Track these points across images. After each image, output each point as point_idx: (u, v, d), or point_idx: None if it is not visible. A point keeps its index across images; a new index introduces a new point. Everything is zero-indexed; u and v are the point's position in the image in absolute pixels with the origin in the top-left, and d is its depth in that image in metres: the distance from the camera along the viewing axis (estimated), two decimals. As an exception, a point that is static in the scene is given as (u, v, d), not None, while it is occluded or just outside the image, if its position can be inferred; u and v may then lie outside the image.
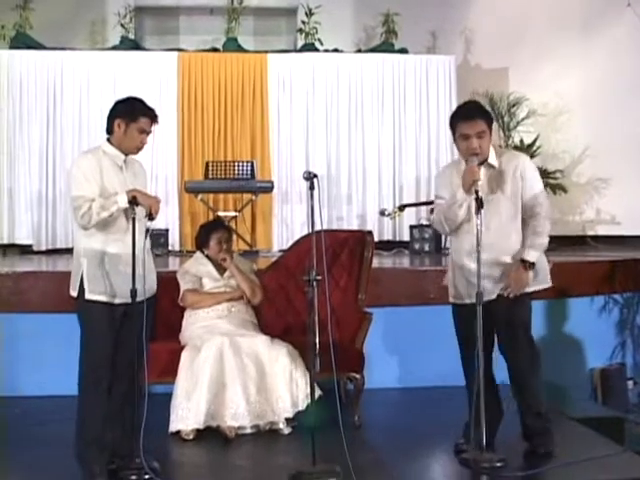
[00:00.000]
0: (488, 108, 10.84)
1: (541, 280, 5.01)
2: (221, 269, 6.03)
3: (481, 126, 4.87)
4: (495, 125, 11.05)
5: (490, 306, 4.83)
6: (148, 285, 4.73)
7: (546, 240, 4.95)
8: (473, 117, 4.88)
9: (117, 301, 4.65)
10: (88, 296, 4.63)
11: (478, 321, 4.70)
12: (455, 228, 4.98)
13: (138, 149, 4.77)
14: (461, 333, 5.06)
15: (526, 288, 4.90)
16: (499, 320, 4.90)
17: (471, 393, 4.99)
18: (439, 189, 5.10)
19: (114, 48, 11.32)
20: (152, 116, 4.77)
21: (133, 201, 4.56)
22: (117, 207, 4.56)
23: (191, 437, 5.36)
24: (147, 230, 4.61)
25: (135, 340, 4.53)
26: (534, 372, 5.10)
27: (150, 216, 4.60)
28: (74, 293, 4.69)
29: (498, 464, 4.73)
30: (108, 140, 4.77)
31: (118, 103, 4.80)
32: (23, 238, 10.45)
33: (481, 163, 4.89)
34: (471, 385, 4.97)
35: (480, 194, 4.73)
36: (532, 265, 4.87)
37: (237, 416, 5.39)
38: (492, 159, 4.94)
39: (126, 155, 4.76)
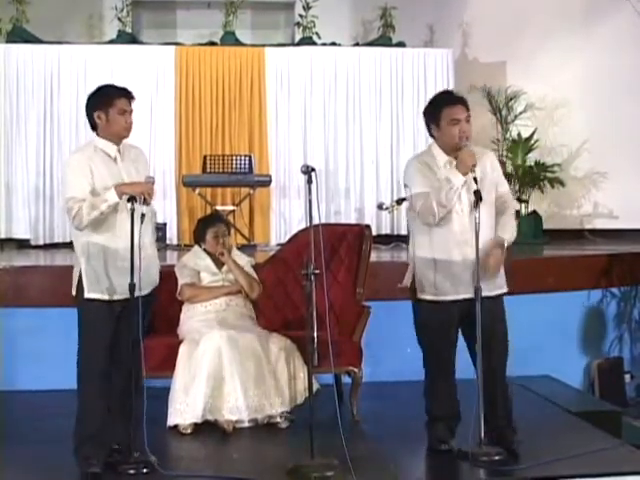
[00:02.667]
0: (485, 102, 10.99)
1: (502, 284, 4.99)
2: (219, 263, 6.03)
3: (467, 111, 4.85)
4: (493, 119, 11.17)
5: (468, 303, 4.80)
6: (150, 278, 4.73)
7: (515, 233, 4.95)
8: (460, 102, 4.87)
9: (116, 297, 4.65)
10: (87, 295, 4.63)
11: (477, 316, 4.69)
12: (444, 216, 4.82)
13: (127, 130, 4.76)
14: (440, 331, 4.93)
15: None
16: (482, 317, 4.75)
17: (429, 392, 5.06)
18: (416, 179, 4.88)
19: (111, 42, 11.29)
20: (125, 95, 4.77)
21: (131, 198, 4.56)
22: (107, 205, 4.55)
23: (189, 431, 5.36)
24: (142, 215, 4.57)
25: (134, 335, 4.53)
26: (505, 371, 5.04)
27: (144, 201, 4.60)
28: (74, 292, 4.70)
29: (496, 457, 4.74)
30: (97, 135, 4.77)
31: (90, 97, 4.82)
32: (21, 233, 10.43)
33: (447, 153, 4.87)
34: (437, 383, 5.01)
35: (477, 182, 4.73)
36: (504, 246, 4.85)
37: (235, 410, 5.39)
38: None
39: (118, 144, 4.76)
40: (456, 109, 4.83)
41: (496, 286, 4.92)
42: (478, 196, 4.68)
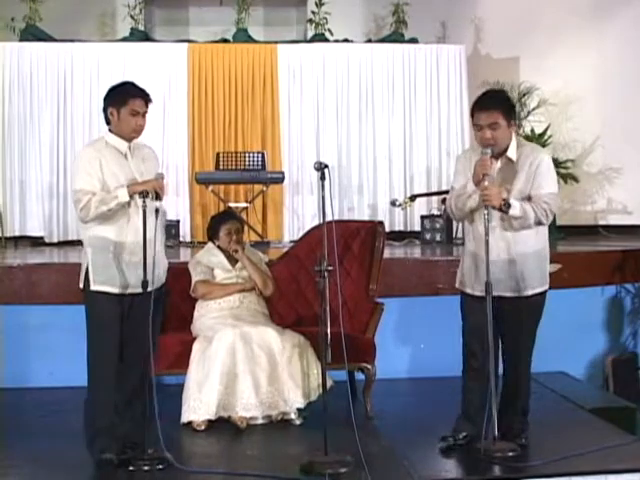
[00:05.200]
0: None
1: (541, 282, 4.94)
2: (233, 260, 6.03)
3: (495, 117, 4.76)
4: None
5: (503, 302, 4.81)
6: (156, 276, 4.73)
7: (530, 220, 4.72)
8: (487, 108, 4.78)
9: (122, 291, 4.67)
10: (93, 287, 4.66)
11: (488, 310, 4.67)
12: (465, 217, 4.92)
13: (136, 132, 4.78)
14: (468, 324, 4.97)
15: (493, 199, 4.66)
16: (509, 318, 4.85)
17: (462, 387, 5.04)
18: (455, 174, 5.03)
19: (124, 40, 11.31)
20: (142, 96, 4.76)
21: (143, 194, 4.58)
22: (117, 202, 4.58)
23: (203, 428, 5.37)
24: (157, 210, 4.61)
25: (144, 331, 4.54)
26: (529, 373, 5.07)
27: (157, 196, 4.62)
28: (81, 284, 4.73)
29: (510, 454, 4.73)
30: (110, 130, 4.79)
31: (109, 91, 4.83)
32: (34, 230, 10.47)
33: (499, 155, 4.81)
34: (464, 379, 5.02)
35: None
36: (507, 206, 4.67)
37: (248, 407, 5.39)
38: (512, 152, 4.83)
39: (129, 141, 4.77)
40: (480, 115, 4.79)
41: (526, 287, 4.87)
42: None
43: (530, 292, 4.89)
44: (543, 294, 4.97)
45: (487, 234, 4.67)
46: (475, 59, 11.69)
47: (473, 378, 4.97)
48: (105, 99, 4.81)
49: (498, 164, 4.84)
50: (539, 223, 4.79)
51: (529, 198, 4.78)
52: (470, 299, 4.95)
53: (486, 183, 4.69)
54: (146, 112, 4.79)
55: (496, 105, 4.82)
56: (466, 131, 10.94)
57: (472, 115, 4.89)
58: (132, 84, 4.83)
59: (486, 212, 4.68)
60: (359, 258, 6.21)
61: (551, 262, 5.06)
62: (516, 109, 4.88)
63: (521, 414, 5.05)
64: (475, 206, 4.82)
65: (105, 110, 4.80)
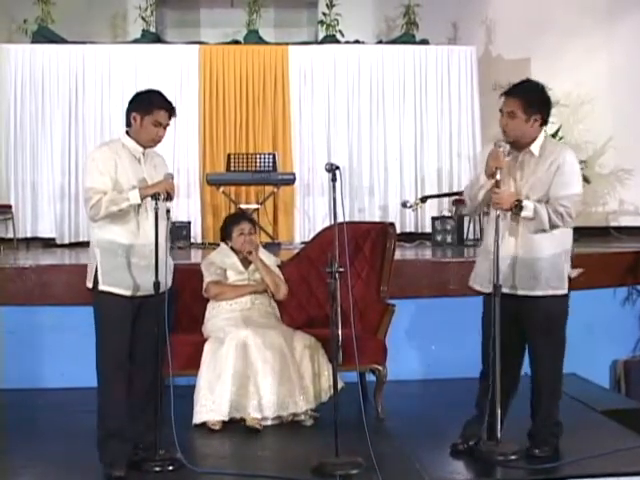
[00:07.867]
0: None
1: (556, 286, 4.78)
2: (246, 262, 6.02)
3: (512, 106, 4.65)
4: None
5: (519, 301, 4.74)
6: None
7: (545, 223, 4.61)
8: (509, 94, 4.71)
9: (131, 293, 4.66)
10: (102, 287, 4.65)
11: (493, 311, 4.63)
12: (477, 208, 4.88)
13: (154, 142, 4.77)
14: (484, 323, 4.87)
15: (503, 203, 4.61)
16: (525, 319, 4.80)
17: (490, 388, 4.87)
18: (478, 164, 4.96)
19: (135, 41, 11.36)
20: (168, 109, 4.74)
21: (155, 196, 4.58)
22: (128, 204, 4.58)
23: (217, 428, 5.37)
24: (168, 211, 4.64)
25: (154, 332, 4.55)
26: (555, 379, 4.98)
27: (168, 197, 4.63)
28: (89, 284, 4.72)
29: (512, 457, 4.67)
30: (127, 133, 4.79)
31: (136, 95, 4.82)
32: (46, 231, 10.51)
33: (521, 149, 4.71)
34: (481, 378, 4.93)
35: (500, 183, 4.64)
36: (519, 208, 4.61)
37: (260, 408, 5.40)
38: (535, 147, 4.71)
39: (144, 148, 4.77)
40: (503, 100, 4.73)
41: (537, 286, 4.75)
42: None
43: (541, 292, 4.75)
44: (559, 298, 4.82)
45: (497, 234, 4.62)
46: (486, 60, 11.68)
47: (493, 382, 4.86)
48: (131, 102, 4.78)
49: (519, 158, 4.74)
50: (554, 226, 4.65)
51: (547, 198, 4.67)
52: (486, 297, 4.85)
53: (498, 177, 4.63)
54: (168, 124, 4.78)
55: (518, 94, 4.71)
56: (477, 132, 10.94)
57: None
58: (160, 94, 4.79)
59: (497, 213, 4.65)
60: (370, 259, 6.21)
61: (573, 267, 4.89)
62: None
63: (546, 421, 4.89)
64: (485, 200, 4.76)
65: (128, 112, 4.78)
